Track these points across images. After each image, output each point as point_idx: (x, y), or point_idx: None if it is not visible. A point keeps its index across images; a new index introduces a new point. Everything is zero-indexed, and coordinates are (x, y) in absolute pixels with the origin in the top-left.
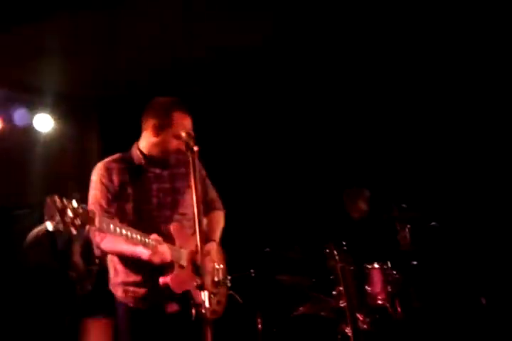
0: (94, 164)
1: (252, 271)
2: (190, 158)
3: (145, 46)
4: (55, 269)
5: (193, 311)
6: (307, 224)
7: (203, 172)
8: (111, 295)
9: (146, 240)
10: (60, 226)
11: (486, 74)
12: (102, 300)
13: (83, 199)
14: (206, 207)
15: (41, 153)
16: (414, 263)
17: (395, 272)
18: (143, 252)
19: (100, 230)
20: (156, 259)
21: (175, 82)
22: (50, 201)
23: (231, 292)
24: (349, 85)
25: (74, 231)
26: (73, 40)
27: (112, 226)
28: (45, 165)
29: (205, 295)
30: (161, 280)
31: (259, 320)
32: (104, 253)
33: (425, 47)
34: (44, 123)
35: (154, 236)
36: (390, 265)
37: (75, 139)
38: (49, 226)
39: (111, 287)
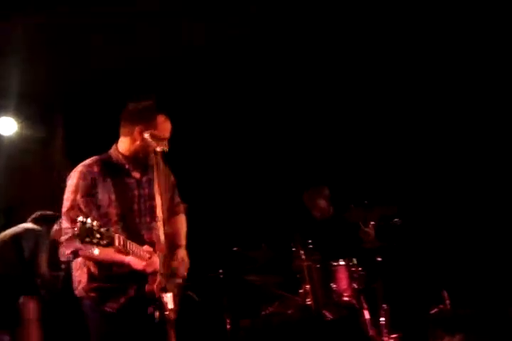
0: (59, 168)
1: (220, 271)
2: (154, 159)
3: (109, 46)
4: (19, 276)
5: (157, 313)
6: (274, 223)
7: (172, 179)
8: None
9: (142, 253)
10: (88, 246)
11: (455, 76)
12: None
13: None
14: (171, 212)
15: (4, 158)
16: (379, 259)
17: (360, 269)
18: (134, 262)
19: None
20: (149, 270)
21: (138, 83)
22: (80, 222)
23: (188, 292)
24: (307, 85)
25: (97, 252)
26: (34, 41)
27: (121, 241)
28: (9, 169)
29: (168, 297)
30: (147, 287)
31: (227, 321)
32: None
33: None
34: (7, 126)
35: (147, 247)
36: (355, 262)
37: (39, 143)
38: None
39: (81, 291)
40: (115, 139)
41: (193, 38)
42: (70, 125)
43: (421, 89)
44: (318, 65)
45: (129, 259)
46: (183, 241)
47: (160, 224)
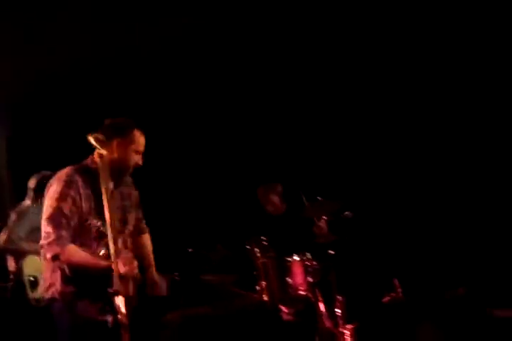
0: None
1: (176, 274)
2: (100, 164)
3: (55, 51)
4: None
5: (110, 318)
6: (228, 222)
7: (136, 193)
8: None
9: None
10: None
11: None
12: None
13: None
14: (138, 227)
15: None
16: (332, 252)
17: (314, 263)
18: (120, 266)
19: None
20: (131, 273)
21: (83, 88)
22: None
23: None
24: (258, 81)
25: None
26: None
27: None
28: None
29: (120, 301)
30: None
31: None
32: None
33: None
34: None
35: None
36: (309, 256)
37: None
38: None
39: (54, 293)
40: (60, 149)
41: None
42: (14, 136)
43: (366, 89)
44: (270, 66)
45: (116, 263)
46: (152, 262)
47: (108, 229)
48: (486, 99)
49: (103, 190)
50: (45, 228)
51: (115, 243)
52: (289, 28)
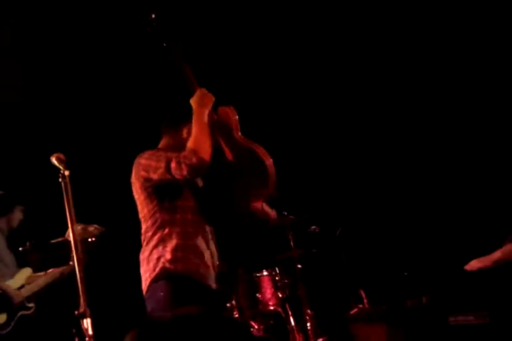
0: None
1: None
2: (63, 183)
3: None
4: None
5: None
6: None
7: None
8: None
9: None
10: None
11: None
12: None
13: None
14: None
15: None
16: (299, 266)
17: (283, 277)
18: None
19: None
20: None
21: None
22: None
23: None
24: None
25: None
26: None
27: None
28: None
29: (87, 323)
30: None
31: None
32: None
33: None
34: None
35: None
36: (278, 271)
37: None
38: None
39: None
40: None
41: None
42: None
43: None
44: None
45: None
46: None
47: None
48: (486, 102)
49: (66, 207)
50: None
51: None
52: (284, 44)
